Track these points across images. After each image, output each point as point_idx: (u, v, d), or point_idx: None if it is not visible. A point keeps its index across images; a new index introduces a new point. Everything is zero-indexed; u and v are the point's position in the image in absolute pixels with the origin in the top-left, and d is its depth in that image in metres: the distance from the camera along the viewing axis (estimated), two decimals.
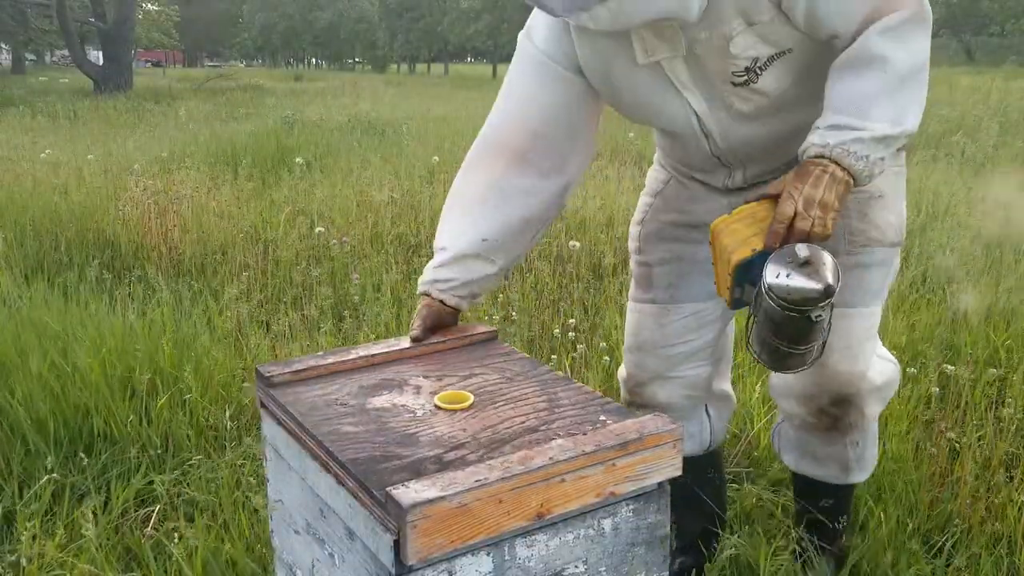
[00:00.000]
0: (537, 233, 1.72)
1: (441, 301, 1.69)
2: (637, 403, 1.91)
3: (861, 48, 1.41)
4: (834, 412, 1.74)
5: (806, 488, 1.92)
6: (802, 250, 1.36)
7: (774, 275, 1.36)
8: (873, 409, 1.77)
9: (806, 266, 1.36)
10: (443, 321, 1.71)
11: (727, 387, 2.03)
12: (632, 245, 1.90)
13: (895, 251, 1.71)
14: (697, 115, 1.58)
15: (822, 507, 1.89)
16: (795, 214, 1.39)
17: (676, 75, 1.52)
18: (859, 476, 1.86)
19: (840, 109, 1.41)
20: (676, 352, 1.84)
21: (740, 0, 1.41)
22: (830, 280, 1.34)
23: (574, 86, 1.61)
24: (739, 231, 1.44)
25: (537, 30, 1.62)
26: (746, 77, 1.50)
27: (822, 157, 1.40)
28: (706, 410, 1.97)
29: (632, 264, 1.92)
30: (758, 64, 1.48)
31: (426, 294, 1.70)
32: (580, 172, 1.70)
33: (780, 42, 1.46)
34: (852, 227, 1.65)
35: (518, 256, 1.74)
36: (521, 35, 1.66)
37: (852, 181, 1.41)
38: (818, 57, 1.49)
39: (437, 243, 1.69)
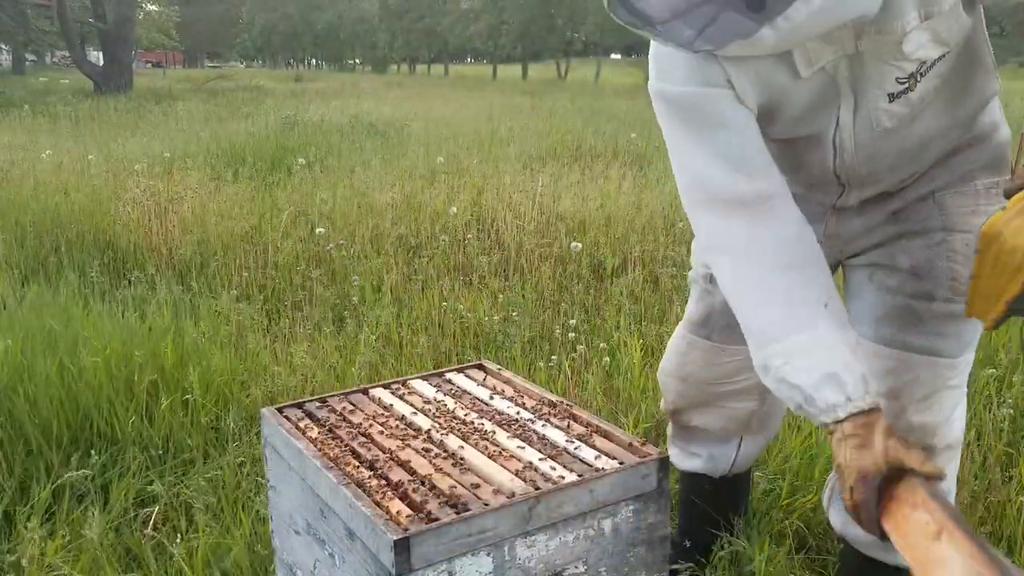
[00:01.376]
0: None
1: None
2: (674, 421, 1.88)
3: None
4: None
5: (847, 563, 1.73)
6: None
7: None
8: (942, 468, 1.42)
9: None
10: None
11: (771, 422, 1.90)
12: (701, 271, 1.73)
13: None
14: (838, 124, 1.37)
15: None
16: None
17: (839, 75, 1.31)
18: None
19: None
20: (723, 390, 1.78)
21: None
22: None
23: (741, 111, 1.34)
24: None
25: (673, 72, 1.34)
26: (907, 84, 1.30)
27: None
28: (739, 441, 1.89)
29: (694, 289, 1.78)
30: (923, 68, 1.30)
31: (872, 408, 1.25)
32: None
33: (949, 40, 1.27)
34: (956, 272, 1.46)
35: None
36: (653, 88, 1.38)
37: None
38: (956, 63, 1.34)
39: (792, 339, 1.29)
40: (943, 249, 1.48)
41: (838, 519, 1.69)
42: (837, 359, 1.25)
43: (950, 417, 1.55)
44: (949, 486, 1.62)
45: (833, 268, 1.60)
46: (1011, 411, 2.50)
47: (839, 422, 1.24)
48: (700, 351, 1.77)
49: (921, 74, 1.30)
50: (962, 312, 1.40)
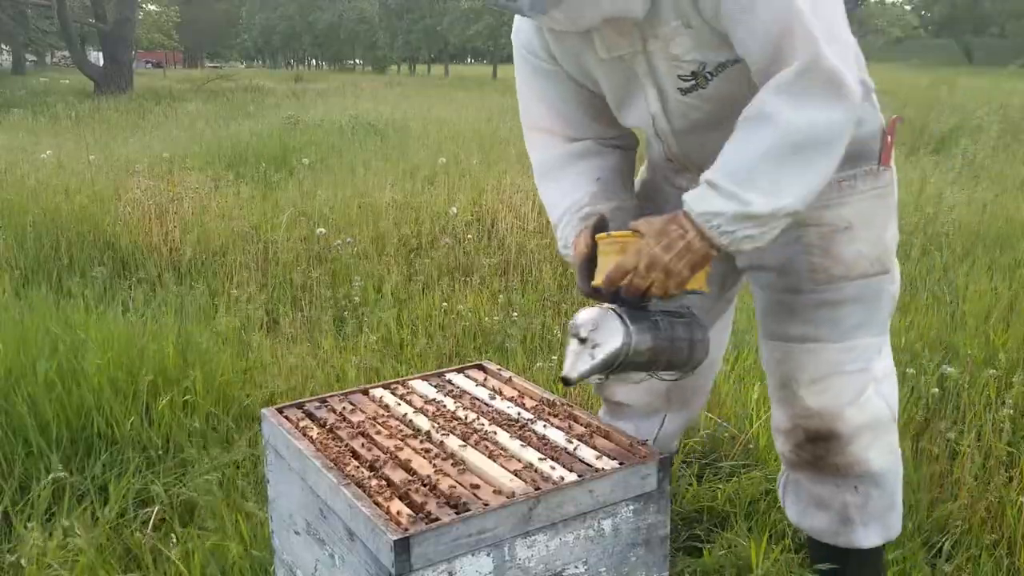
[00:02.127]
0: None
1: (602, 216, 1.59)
2: (603, 399, 1.94)
3: (757, 101, 1.35)
4: (814, 450, 1.64)
5: (816, 555, 1.78)
6: (585, 327, 1.40)
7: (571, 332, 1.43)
8: (860, 451, 1.61)
9: (583, 343, 1.41)
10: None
11: (692, 400, 1.96)
12: None
13: (875, 282, 1.59)
14: (652, 116, 1.57)
15: None
16: (634, 270, 1.38)
17: (637, 71, 1.51)
18: (866, 536, 1.66)
19: (723, 165, 1.36)
20: None
21: (677, 1, 1.39)
22: (579, 371, 1.40)
23: (558, 75, 1.64)
24: (606, 256, 1.46)
25: (519, 29, 1.67)
26: (694, 82, 1.47)
27: (689, 219, 1.37)
28: (663, 419, 1.94)
29: None
30: (706, 70, 1.45)
31: (587, 226, 1.59)
32: (612, 126, 1.69)
33: (724, 49, 1.42)
34: (814, 264, 1.57)
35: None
36: (512, 37, 1.70)
37: (714, 251, 1.37)
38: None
39: (560, 208, 1.65)
40: (800, 244, 1.57)
41: (793, 511, 1.75)
42: (562, 221, 1.62)
43: (857, 400, 1.59)
44: (895, 456, 1.65)
45: (738, 276, 1.79)
46: (1011, 411, 2.50)
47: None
48: None
49: (711, 73, 1.45)
50: (832, 299, 1.57)
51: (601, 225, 1.54)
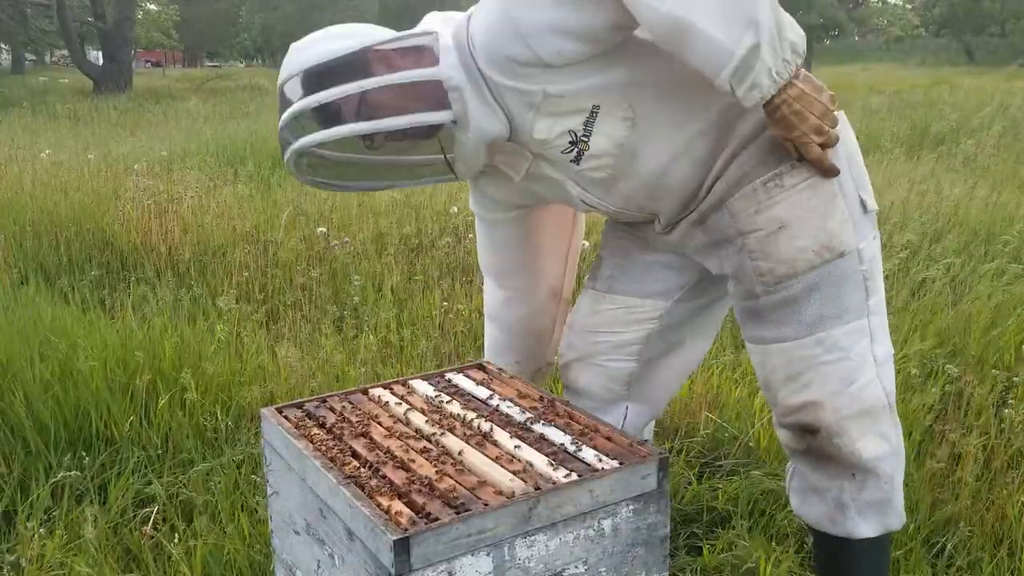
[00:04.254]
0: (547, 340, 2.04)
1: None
2: (565, 383, 1.95)
3: (644, 19, 1.41)
4: (809, 440, 1.64)
5: (817, 548, 1.78)
6: None
7: None
8: (851, 441, 1.60)
9: None
10: None
11: (655, 395, 1.96)
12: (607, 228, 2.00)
13: (829, 269, 1.56)
14: (581, 199, 1.69)
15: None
16: (803, 135, 1.47)
17: (547, 173, 1.66)
18: (862, 525, 1.64)
19: (705, 68, 1.43)
20: (602, 340, 1.86)
21: (513, 93, 1.53)
22: None
23: (504, 224, 1.86)
24: None
25: (472, 202, 1.89)
26: (575, 150, 1.58)
27: (767, 103, 1.44)
28: (626, 410, 1.94)
29: None
30: (579, 136, 1.56)
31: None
32: (559, 278, 1.97)
33: (578, 105, 1.53)
34: (759, 268, 1.59)
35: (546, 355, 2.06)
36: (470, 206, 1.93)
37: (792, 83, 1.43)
38: (636, 98, 1.55)
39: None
40: (744, 252, 1.61)
41: (795, 499, 1.74)
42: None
43: (843, 391, 1.58)
44: (893, 446, 1.65)
45: (715, 285, 1.85)
46: (1014, 412, 2.50)
47: None
48: (586, 298, 1.90)
49: (583, 137, 1.57)
50: (787, 297, 1.58)
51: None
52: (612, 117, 1.55)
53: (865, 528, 1.64)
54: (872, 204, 1.62)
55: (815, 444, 1.62)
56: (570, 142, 1.57)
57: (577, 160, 1.60)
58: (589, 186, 1.66)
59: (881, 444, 1.62)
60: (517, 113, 1.57)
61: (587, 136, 1.56)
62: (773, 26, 1.38)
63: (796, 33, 1.42)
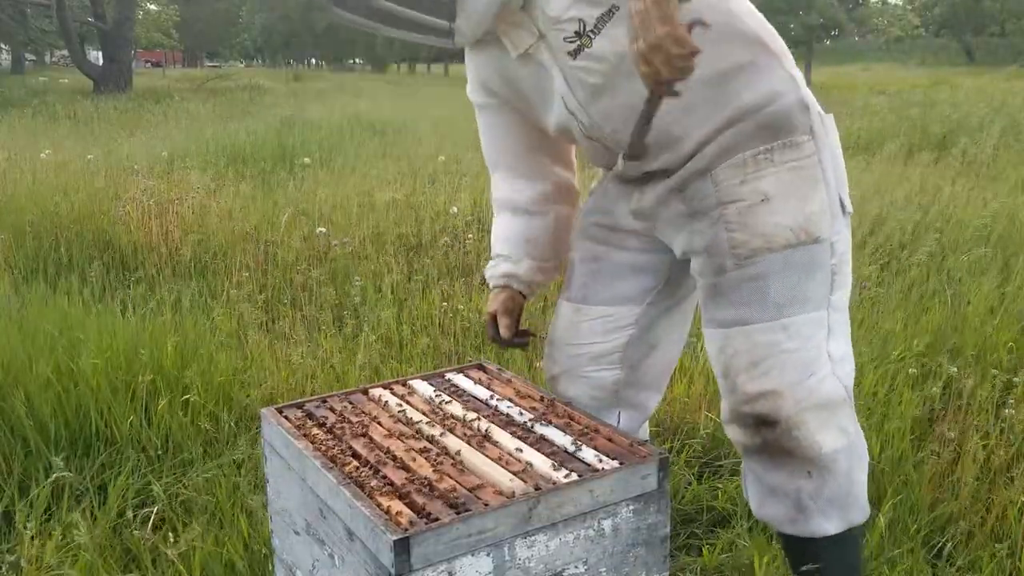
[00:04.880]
0: (559, 232, 1.89)
1: (520, 292, 1.89)
2: (555, 395, 1.90)
3: None
4: (763, 435, 1.58)
5: (785, 548, 1.74)
6: None
7: None
8: (810, 434, 1.55)
9: None
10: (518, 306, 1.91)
11: (643, 398, 1.92)
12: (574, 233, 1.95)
13: (803, 251, 1.55)
14: (562, 97, 1.59)
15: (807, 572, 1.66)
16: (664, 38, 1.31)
17: (543, 60, 1.57)
18: (824, 523, 1.60)
19: None
20: (583, 352, 1.83)
21: None
22: None
23: (505, 111, 1.78)
24: None
25: (469, 86, 1.82)
26: (578, 43, 1.50)
27: None
28: (618, 416, 1.90)
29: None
30: (587, 28, 1.48)
31: (505, 286, 1.88)
32: (565, 169, 1.87)
33: (599, 3, 1.45)
34: (734, 239, 1.55)
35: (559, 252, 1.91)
36: (467, 92, 1.85)
37: None
38: None
39: (494, 249, 1.90)
40: (721, 223, 1.57)
41: (753, 501, 1.70)
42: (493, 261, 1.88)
43: (803, 381, 1.54)
44: (851, 439, 1.60)
45: (685, 276, 1.79)
46: (1014, 412, 2.50)
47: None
48: (563, 312, 1.87)
49: (592, 32, 1.48)
50: (755, 273, 1.55)
51: (507, 305, 1.86)
52: (625, 25, 1.39)
53: (828, 526, 1.60)
54: (849, 206, 1.62)
55: (772, 438, 1.57)
56: (575, 32, 1.50)
57: (574, 54, 1.52)
58: (576, 87, 1.57)
59: (840, 437, 1.58)
60: None
61: (594, 33, 1.49)
62: None
63: None
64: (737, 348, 1.57)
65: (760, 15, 1.61)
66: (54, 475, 2.20)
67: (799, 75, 1.61)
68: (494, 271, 1.88)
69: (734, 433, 1.65)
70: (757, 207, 1.54)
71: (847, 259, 1.62)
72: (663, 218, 1.67)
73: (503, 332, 1.86)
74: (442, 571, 1.19)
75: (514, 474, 1.35)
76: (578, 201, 1.90)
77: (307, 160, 6.89)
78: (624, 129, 1.55)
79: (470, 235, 4.71)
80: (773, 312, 1.55)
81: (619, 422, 1.89)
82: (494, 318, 1.87)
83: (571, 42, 1.51)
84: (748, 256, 1.55)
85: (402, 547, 1.15)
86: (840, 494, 1.60)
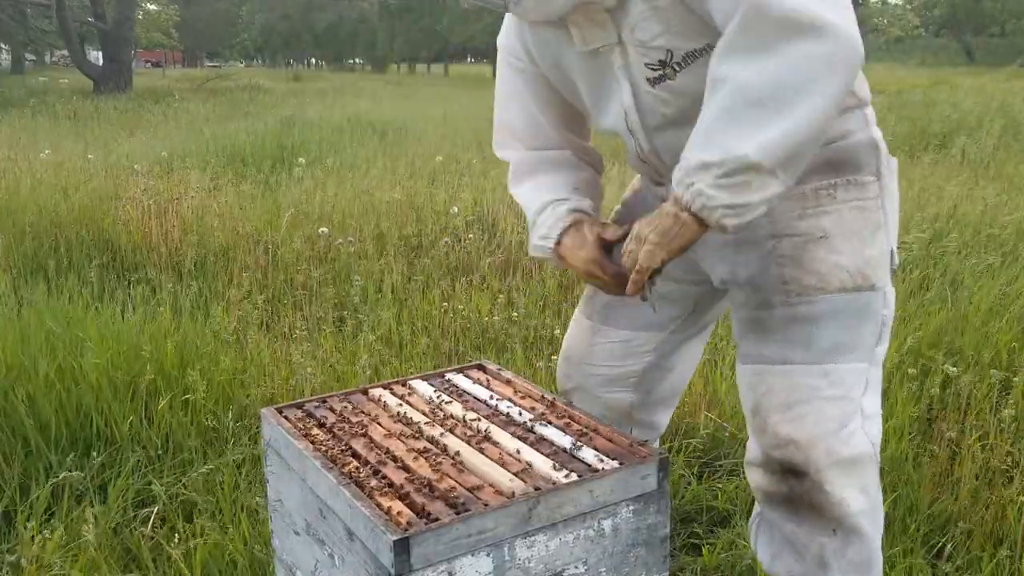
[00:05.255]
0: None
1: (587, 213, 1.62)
2: None
3: (709, 69, 1.30)
4: (789, 485, 1.51)
5: None
6: None
7: None
8: (839, 490, 1.47)
9: None
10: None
11: (656, 418, 1.91)
12: None
13: (857, 298, 1.46)
14: (625, 111, 1.50)
15: None
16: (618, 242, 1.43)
17: (613, 64, 1.46)
18: None
19: (689, 142, 1.32)
20: (598, 374, 1.80)
21: None
22: None
23: (536, 77, 1.63)
24: None
25: (504, 33, 1.65)
26: (661, 72, 1.41)
27: (673, 197, 1.35)
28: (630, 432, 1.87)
29: None
30: (673, 60, 1.39)
31: (577, 220, 1.59)
32: (584, 142, 1.73)
33: (692, 36, 1.36)
34: (785, 275, 1.47)
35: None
36: (498, 41, 1.69)
37: (686, 215, 1.32)
38: None
39: (539, 202, 1.64)
40: (772, 256, 1.49)
41: (765, 554, 1.63)
42: (544, 213, 1.61)
43: (837, 432, 1.45)
44: (874, 502, 1.53)
45: (714, 301, 1.77)
46: (1013, 411, 2.50)
47: (555, 251, 1.58)
48: (580, 329, 1.82)
49: (678, 64, 1.39)
50: (805, 314, 1.46)
51: (598, 224, 1.57)
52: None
53: None
54: (896, 259, 1.55)
55: (798, 490, 1.49)
56: (660, 60, 1.40)
57: (654, 82, 1.43)
58: (646, 111, 1.48)
59: (863, 498, 1.51)
60: None
61: (680, 67, 1.39)
62: (752, 159, 1.25)
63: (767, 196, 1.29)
64: (772, 386, 1.49)
65: None
66: (61, 474, 2.20)
67: (871, 113, 1.54)
68: (556, 214, 1.60)
69: (757, 478, 1.56)
70: (814, 244, 1.46)
71: (891, 315, 1.53)
72: (705, 243, 1.54)
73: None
74: (442, 571, 1.19)
75: (514, 474, 1.35)
76: (602, 168, 1.78)
77: (302, 160, 6.88)
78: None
79: (470, 235, 4.71)
80: (817, 355, 1.46)
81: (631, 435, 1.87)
82: (596, 255, 1.53)
83: (654, 69, 1.42)
84: (799, 294, 1.46)
85: (402, 547, 1.15)
86: (863, 559, 1.53)
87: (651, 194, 1.70)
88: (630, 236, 1.41)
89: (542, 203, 1.62)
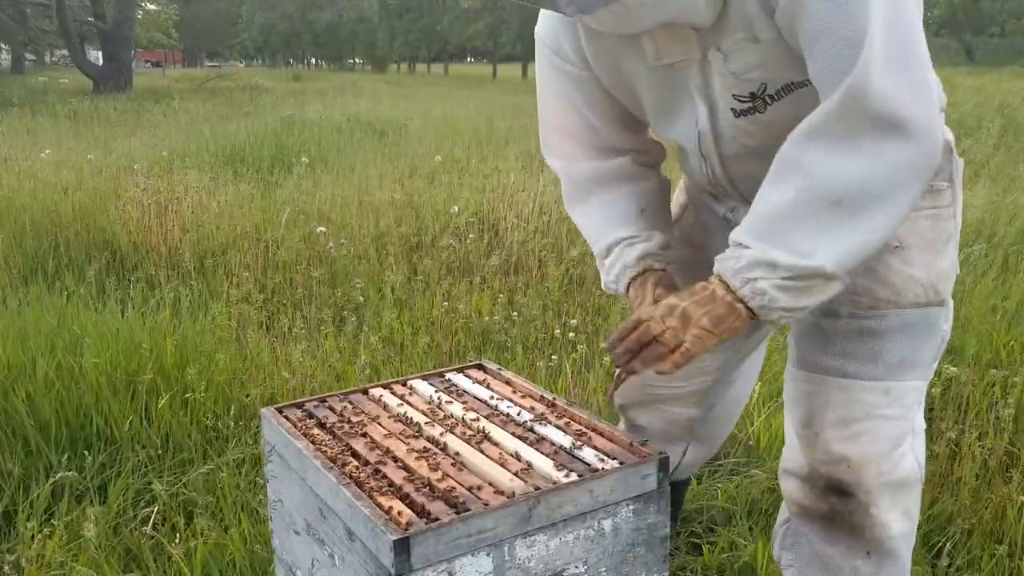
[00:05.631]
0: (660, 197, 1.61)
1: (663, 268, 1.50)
2: (624, 418, 1.87)
3: (793, 137, 1.20)
4: (834, 501, 1.45)
5: None
6: None
7: None
8: (885, 512, 1.42)
9: None
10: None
11: (715, 432, 1.88)
12: None
13: (927, 314, 1.39)
14: (699, 134, 1.40)
15: None
16: (650, 318, 1.28)
17: (689, 80, 1.35)
18: None
19: (749, 222, 1.24)
20: (660, 392, 1.77)
21: (745, 8, 1.21)
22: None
23: (588, 81, 1.49)
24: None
25: (545, 28, 1.51)
26: (750, 104, 1.30)
27: (718, 277, 1.26)
28: (686, 449, 1.87)
29: None
30: (767, 92, 1.29)
31: (645, 269, 1.48)
32: (644, 139, 1.58)
33: (792, 70, 1.24)
34: (856, 285, 1.37)
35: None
36: (536, 32, 1.53)
37: (742, 308, 1.23)
38: None
39: (606, 240, 1.53)
40: None
41: (791, 571, 1.58)
42: (612, 254, 1.50)
43: (890, 452, 1.40)
44: (913, 525, 1.50)
45: None
46: (1013, 411, 2.50)
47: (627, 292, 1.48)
48: None
49: (771, 97, 1.29)
50: (874, 328, 1.39)
51: (665, 282, 1.46)
52: (809, 99, 1.23)
53: None
54: (958, 267, 1.47)
55: (841, 509, 1.43)
56: (752, 93, 1.29)
57: (741, 114, 1.32)
58: (725, 139, 1.37)
59: (905, 521, 1.45)
60: (735, 23, 1.24)
61: (773, 99, 1.29)
62: (825, 270, 1.18)
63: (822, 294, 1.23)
64: (830, 399, 1.42)
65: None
66: (60, 474, 2.20)
67: (942, 114, 1.46)
68: (625, 259, 1.50)
69: (797, 491, 1.50)
70: (889, 253, 1.37)
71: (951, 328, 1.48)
72: None
73: None
74: (442, 571, 1.19)
75: (514, 474, 1.35)
76: (664, 157, 1.64)
77: (304, 160, 6.88)
78: (754, 192, 1.34)
79: (471, 235, 4.71)
80: (881, 372, 1.39)
81: (684, 455, 1.85)
82: None
83: (742, 101, 1.31)
84: (870, 307, 1.39)
85: (402, 547, 1.15)
86: None
87: (709, 213, 1.60)
88: (668, 304, 1.29)
89: (609, 242, 1.51)
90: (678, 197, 1.74)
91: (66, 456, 2.40)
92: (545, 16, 1.50)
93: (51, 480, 2.23)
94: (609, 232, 1.52)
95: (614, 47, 1.40)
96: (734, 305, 1.24)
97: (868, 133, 1.14)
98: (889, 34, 1.12)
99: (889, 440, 1.40)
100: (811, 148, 1.18)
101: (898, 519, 1.44)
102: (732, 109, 1.33)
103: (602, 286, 1.55)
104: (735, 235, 1.26)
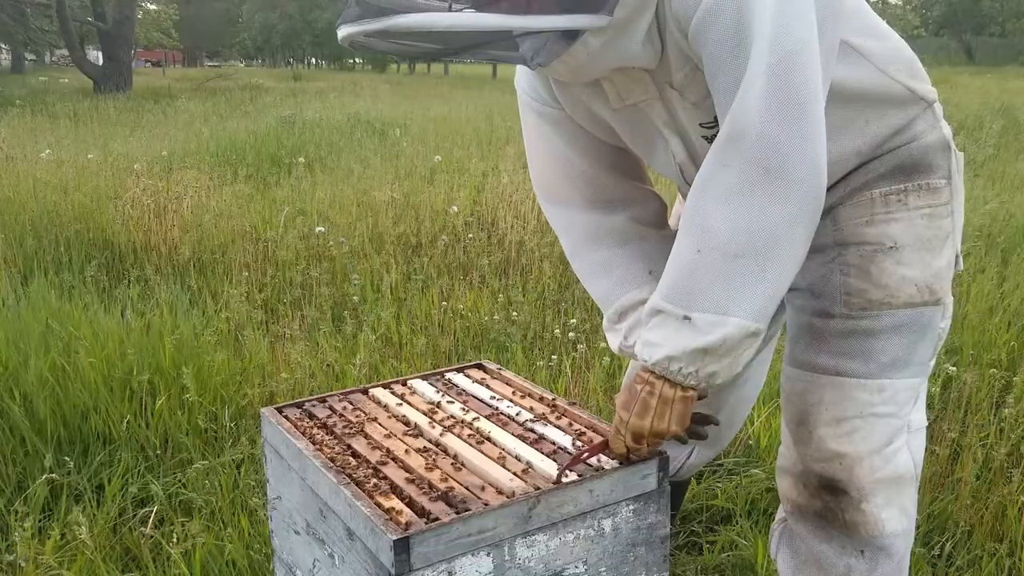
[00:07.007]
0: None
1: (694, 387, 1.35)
2: None
3: (692, 190, 1.24)
4: (827, 499, 1.46)
5: None
6: None
7: None
8: (879, 510, 1.43)
9: None
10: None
11: (721, 435, 1.89)
12: None
13: (922, 313, 1.40)
14: (679, 166, 1.43)
15: None
16: (628, 449, 1.34)
17: (655, 117, 1.38)
18: None
19: (665, 286, 1.27)
20: None
21: (678, 43, 1.24)
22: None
23: (568, 121, 1.51)
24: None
25: (522, 77, 1.55)
26: (715, 127, 1.29)
27: (649, 371, 1.29)
28: (691, 451, 1.89)
29: None
30: None
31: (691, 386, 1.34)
32: (641, 188, 1.58)
33: None
34: (849, 286, 1.39)
35: None
36: (516, 83, 1.59)
37: (691, 392, 1.29)
38: None
39: (619, 304, 1.52)
40: (837, 263, 1.42)
41: (786, 568, 1.58)
42: (626, 320, 1.49)
43: (883, 450, 1.41)
44: (910, 523, 1.49)
45: (781, 310, 1.63)
46: (1013, 411, 2.50)
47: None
48: None
49: None
50: (867, 328, 1.39)
51: None
52: None
53: None
54: (961, 264, 1.47)
55: (835, 506, 1.44)
56: (715, 118, 1.27)
57: (712, 139, 1.30)
58: (701, 161, 1.35)
59: (901, 519, 1.46)
60: (677, 60, 1.27)
61: None
62: (750, 330, 1.22)
63: (734, 364, 1.26)
64: (823, 398, 1.43)
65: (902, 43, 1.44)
66: (58, 474, 2.20)
67: (939, 109, 1.47)
68: (635, 320, 1.48)
69: (790, 489, 1.51)
70: (883, 254, 1.38)
71: (949, 326, 1.47)
72: None
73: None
74: (442, 571, 1.19)
75: (514, 474, 1.35)
76: (665, 209, 1.65)
77: (301, 159, 6.88)
78: None
79: (470, 235, 4.71)
80: (875, 370, 1.40)
81: (689, 456, 1.87)
82: None
83: (710, 127, 1.33)
84: (863, 307, 1.39)
85: (402, 547, 1.15)
86: None
87: None
88: (633, 428, 1.33)
89: (623, 306, 1.51)
90: (676, 207, 1.77)
91: (63, 456, 2.39)
92: (520, 68, 1.53)
93: (48, 480, 2.22)
94: (619, 294, 1.51)
95: (581, 94, 1.44)
96: (687, 395, 1.29)
97: (753, 179, 1.17)
98: (774, 77, 1.14)
99: (882, 437, 1.42)
100: (707, 195, 1.22)
101: (892, 517, 1.44)
102: (704, 137, 1.35)
103: (614, 349, 1.54)
104: (652, 302, 1.29)
